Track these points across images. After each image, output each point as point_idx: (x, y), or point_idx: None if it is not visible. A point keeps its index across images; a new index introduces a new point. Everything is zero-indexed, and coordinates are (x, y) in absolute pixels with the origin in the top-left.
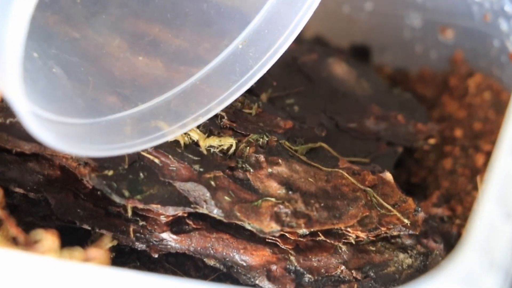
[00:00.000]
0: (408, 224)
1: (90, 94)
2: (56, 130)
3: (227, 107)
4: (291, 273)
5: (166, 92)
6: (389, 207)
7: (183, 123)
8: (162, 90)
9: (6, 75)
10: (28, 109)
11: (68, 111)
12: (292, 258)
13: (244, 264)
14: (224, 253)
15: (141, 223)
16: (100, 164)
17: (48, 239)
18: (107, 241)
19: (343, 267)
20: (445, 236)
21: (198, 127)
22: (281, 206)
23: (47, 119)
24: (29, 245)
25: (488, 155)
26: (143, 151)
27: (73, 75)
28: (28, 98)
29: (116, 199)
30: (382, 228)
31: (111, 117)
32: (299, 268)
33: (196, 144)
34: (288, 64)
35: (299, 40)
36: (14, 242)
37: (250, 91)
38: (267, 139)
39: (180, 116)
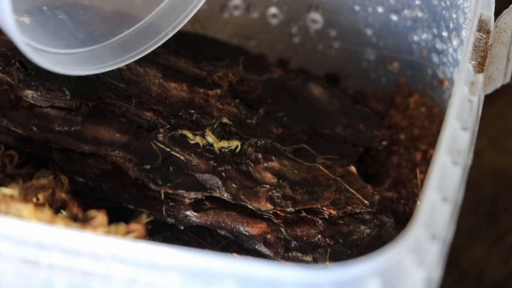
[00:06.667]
0: (367, 204)
1: (89, 29)
2: (53, 58)
3: (234, 119)
4: (281, 240)
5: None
6: (353, 191)
7: (155, 41)
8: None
9: (6, 20)
10: (23, 41)
11: (69, 44)
12: (282, 229)
13: (247, 234)
14: (232, 226)
15: (171, 203)
16: (140, 160)
17: (99, 216)
18: (145, 218)
19: (319, 236)
20: (394, 212)
21: (212, 132)
22: (274, 191)
23: (47, 51)
24: (85, 221)
25: (424, 153)
26: (173, 151)
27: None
28: (32, 36)
29: (152, 186)
30: (348, 207)
31: (100, 44)
32: (287, 236)
33: (211, 145)
34: (279, 87)
35: (287, 69)
36: (74, 219)
37: (251, 107)
38: (263, 141)
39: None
